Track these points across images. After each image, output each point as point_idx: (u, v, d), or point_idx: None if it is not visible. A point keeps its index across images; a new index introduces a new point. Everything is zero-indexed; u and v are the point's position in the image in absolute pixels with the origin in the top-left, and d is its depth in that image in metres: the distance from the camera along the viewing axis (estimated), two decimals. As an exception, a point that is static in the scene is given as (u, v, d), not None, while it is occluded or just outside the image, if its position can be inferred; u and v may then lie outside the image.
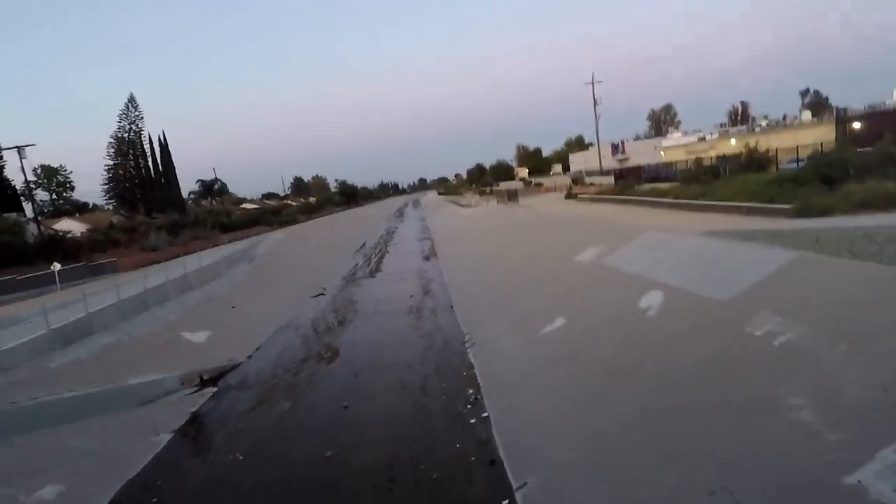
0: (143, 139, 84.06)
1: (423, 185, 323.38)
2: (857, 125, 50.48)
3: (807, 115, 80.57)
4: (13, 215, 57.59)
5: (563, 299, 16.34)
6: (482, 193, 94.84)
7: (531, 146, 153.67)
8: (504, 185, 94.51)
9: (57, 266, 30.01)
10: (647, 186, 42.15)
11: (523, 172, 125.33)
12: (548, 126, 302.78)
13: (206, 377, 16.38)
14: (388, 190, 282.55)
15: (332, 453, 10.87)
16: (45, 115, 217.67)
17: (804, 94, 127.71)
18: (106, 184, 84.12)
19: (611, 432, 8.73)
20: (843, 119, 54.36)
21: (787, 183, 21.78)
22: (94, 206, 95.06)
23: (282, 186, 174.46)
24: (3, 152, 59.39)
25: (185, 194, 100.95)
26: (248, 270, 33.09)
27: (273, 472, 10.56)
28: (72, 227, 62.33)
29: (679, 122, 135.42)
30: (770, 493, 5.75)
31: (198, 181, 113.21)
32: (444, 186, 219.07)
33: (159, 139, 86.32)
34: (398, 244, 52.55)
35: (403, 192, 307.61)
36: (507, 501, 8.32)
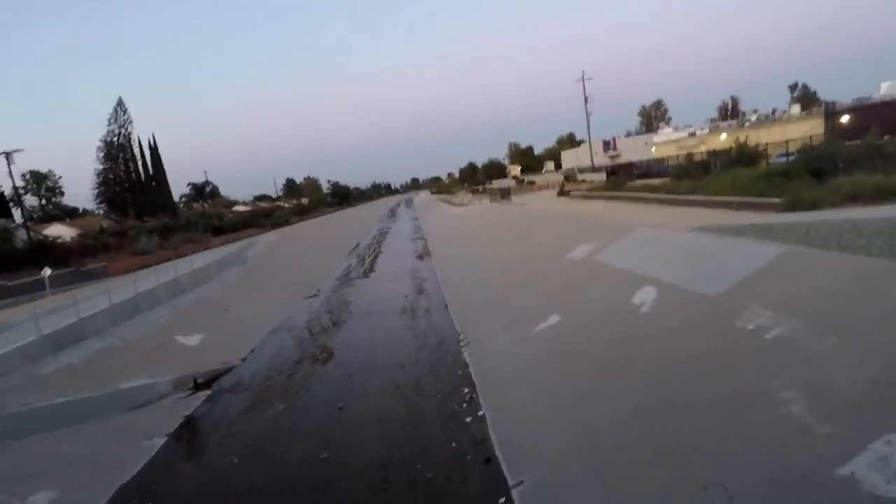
0: (132, 143, 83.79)
1: (415, 184, 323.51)
2: (845, 119, 50.80)
3: (796, 109, 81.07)
4: (2, 221, 57.09)
5: (556, 297, 16.37)
6: (475, 192, 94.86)
7: (523, 144, 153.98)
8: (496, 184, 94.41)
9: (47, 271, 29.78)
10: (639, 182, 42.31)
11: (516, 170, 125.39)
12: (540, 124, 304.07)
13: (199, 380, 16.30)
14: (380, 190, 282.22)
15: (327, 454, 10.84)
16: (33, 120, 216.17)
17: (793, 88, 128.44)
18: (96, 188, 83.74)
19: (605, 429, 8.76)
20: (831, 113, 54.70)
21: (776, 177, 21.95)
22: (85, 210, 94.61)
23: (274, 188, 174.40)
24: (-8, 158, 58.69)
25: (176, 197, 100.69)
26: (240, 273, 32.97)
27: (268, 474, 10.52)
28: (62, 232, 61.89)
29: (669, 118, 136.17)
30: (763, 487, 5.78)
31: (189, 184, 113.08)
32: (436, 186, 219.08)
33: (149, 142, 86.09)
34: (391, 244, 52.49)
35: (396, 192, 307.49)
36: (503, 500, 8.32)
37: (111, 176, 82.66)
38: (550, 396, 10.86)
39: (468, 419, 11.47)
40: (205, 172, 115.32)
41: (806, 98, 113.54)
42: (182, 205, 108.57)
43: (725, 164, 33.09)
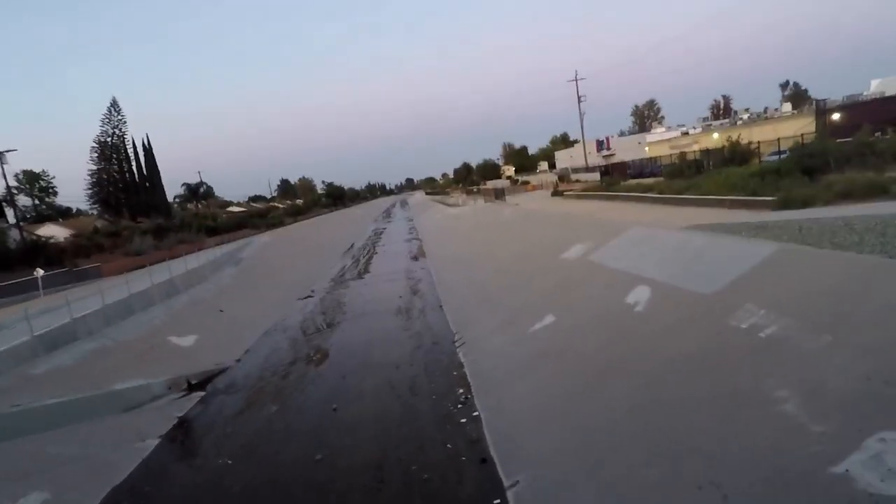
0: (126, 143, 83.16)
1: (410, 185, 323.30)
2: (836, 116, 51.05)
3: (787, 108, 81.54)
4: (-6, 221, 56.72)
5: (550, 297, 16.37)
6: (469, 192, 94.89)
7: (517, 144, 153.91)
8: (491, 184, 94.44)
9: (40, 272, 29.63)
10: (633, 182, 42.41)
11: (510, 171, 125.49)
12: (533, 124, 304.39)
13: (193, 381, 16.24)
14: (375, 191, 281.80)
15: (322, 456, 10.81)
16: (26, 120, 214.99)
17: (784, 86, 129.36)
18: (89, 188, 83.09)
19: (600, 428, 8.76)
20: (822, 110, 54.95)
21: (769, 175, 22.02)
22: (78, 210, 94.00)
23: (268, 189, 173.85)
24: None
25: (170, 198, 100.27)
26: (234, 273, 32.86)
27: (262, 475, 10.47)
28: (55, 232, 61.50)
29: (662, 118, 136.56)
30: (757, 486, 5.78)
31: (183, 185, 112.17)
32: (431, 186, 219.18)
33: (143, 143, 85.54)
34: (386, 245, 52.44)
35: (391, 192, 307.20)
36: (498, 501, 8.31)
37: (105, 176, 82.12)
38: (545, 396, 10.85)
39: (463, 420, 11.46)
40: (199, 173, 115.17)
41: (797, 96, 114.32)
42: (176, 205, 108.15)
43: (718, 162, 33.20)
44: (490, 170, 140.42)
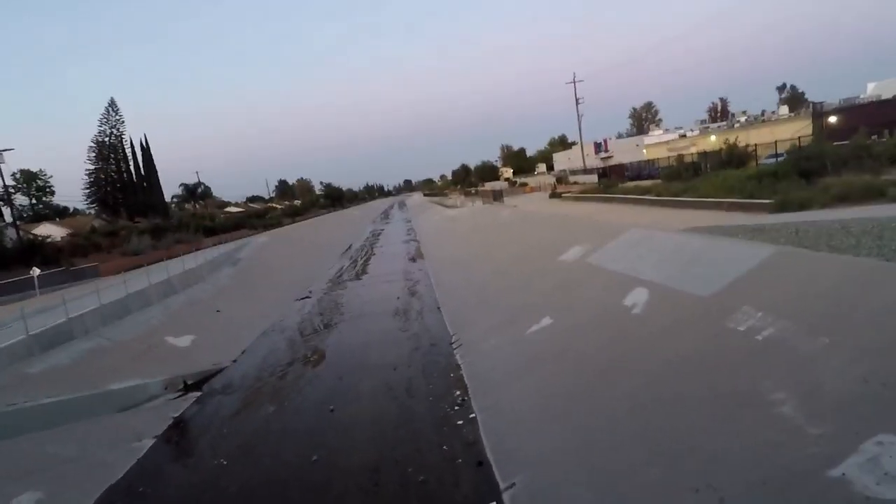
0: (124, 143, 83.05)
1: (408, 186, 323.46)
2: (833, 119, 51.18)
3: (784, 110, 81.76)
4: (-8, 220, 56.56)
5: (548, 298, 16.36)
6: (467, 194, 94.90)
7: (515, 146, 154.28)
8: (489, 186, 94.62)
9: (36, 271, 29.50)
10: (630, 184, 42.43)
11: (508, 172, 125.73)
12: (532, 126, 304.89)
13: (190, 381, 16.21)
14: (373, 192, 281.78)
15: (318, 457, 10.79)
16: (24, 120, 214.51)
17: (781, 89, 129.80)
18: (87, 188, 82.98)
19: (598, 430, 8.74)
20: (819, 113, 55.06)
21: (766, 178, 22.07)
22: (76, 210, 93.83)
23: (266, 189, 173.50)
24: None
25: (168, 198, 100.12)
26: (232, 274, 32.79)
27: (258, 476, 10.44)
28: (52, 231, 61.40)
29: (660, 120, 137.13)
30: (755, 488, 5.77)
31: (181, 185, 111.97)
32: (429, 188, 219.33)
33: (141, 143, 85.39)
34: (384, 246, 52.43)
35: (389, 193, 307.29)
36: (494, 503, 8.30)
37: (102, 176, 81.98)
38: (543, 398, 10.84)
39: (460, 421, 11.44)
40: (196, 173, 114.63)
41: (794, 99, 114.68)
42: (174, 205, 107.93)
43: (715, 165, 33.23)
44: (488, 171, 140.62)
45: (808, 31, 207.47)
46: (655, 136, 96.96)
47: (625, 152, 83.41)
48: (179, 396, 15.33)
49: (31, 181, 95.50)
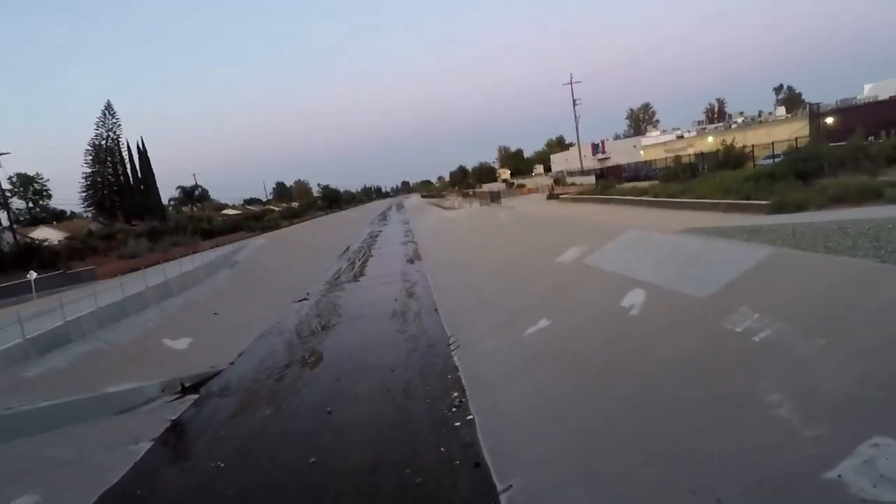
0: (121, 146, 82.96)
1: (406, 188, 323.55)
2: (829, 120, 51.32)
3: (781, 111, 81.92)
4: (-12, 224, 56.39)
5: (546, 300, 16.37)
6: (465, 195, 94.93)
7: (513, 147, 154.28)
8: (486, 187, 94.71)
9: (33, 274, 29.38)
10: (628, 185, 42.50)
11: (505, 174, 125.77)
12: (530, 126, 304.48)
13: (187, 384, 16.19)
14: (371, 193, 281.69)
15: (316, 459, 10.77)
16: (20, 123, 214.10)
17: (778, 90, 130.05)
18: (84, 191, 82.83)
19: (595, 432, 8.74)
20: (816, 114, 55.28)
21: (763, 179, 22.11)
22: (72, 213, 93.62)
23: (264, 191, 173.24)
24: (-23, 161, 57.98)
25: (165, 201, 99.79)
26: (229, 276, 32.74)
27: (255, 479, 10.43)
28: (49, 235, 61.20)
29: (657, 121, 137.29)
30: (752, 490, 5.77)
31: (178, 187, 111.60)
32: (427, 189, 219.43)
33: (138, 146, 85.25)
34: (382, 248, 52.42)
35: (387, 195, 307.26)
36: (491, 504, 8.29)
37: (99, 179, 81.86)
38: (540, 399, 10.84)
39: (457, 423, 11.44)
40: (194, 175, 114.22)
41: (791, 100, 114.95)
42: (171, 208, 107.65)
43: (713, 166, 33.29)
44: (486, 173, 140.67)
45: (805, 32, 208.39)
46: (653, 137, 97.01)
47: (622, 153, 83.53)
48: (177, 399, 15.30)
49: (27, 185, 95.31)
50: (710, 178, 27.86)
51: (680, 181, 31.61)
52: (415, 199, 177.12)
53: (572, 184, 64.29)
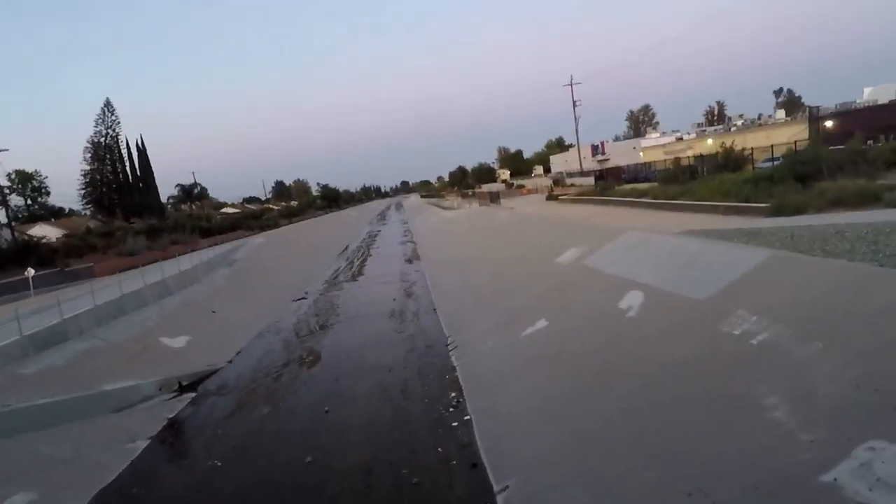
0: (120, 144, 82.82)
1: (405, 187, 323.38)
2: (829, 124, 51.39)
3: (781, 114, 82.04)
4: (-14, 221, 56.28)
5: (544, 301, 16.38)
6: (464, 196, 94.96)
7: (512, 148, 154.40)
8: (486, 188, 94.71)
9: (31, 271, 29.40)
10: (627, 187, 42.56)
11: (505, 174, 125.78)
12: (529, 127, 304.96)
13: (184, 382, 16.18)
14: (370, 193, 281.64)
15: (313, 458, 10.77)
16: (19, 120, 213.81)
17: (778, 93, 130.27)
18: (82, 189, 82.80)
19: (593, 433, 8.75)
20: (815, 118, 55.30)
21: (762, 182, 22.15)
22: (71, 211, 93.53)
23: (263, 190, 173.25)
24: (-24, 157, 57.94)
25: (164, 199, 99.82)
26: (228, 275, 32.72)
27: (252, 477, 10.42)
28: (47, 232, 61.14)
29: (657, 123, 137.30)
30: (748, 493, 5.77)
31: (177, 185, 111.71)
32: (426, 189, 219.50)
33: (137, 143, 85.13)
34: (380, 247, 52.41)
35: (386, 195, 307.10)
36: (487, 505, 8.29)
37: (98, 177, 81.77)
38: (538, 400, 10.85)
39: (454, 423, 11.44)
40: (193, 174, 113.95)
41: (791, 103, 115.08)
42: (170, 206, 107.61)
43: (712, 168, 33.35)
44: (485, 173, 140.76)
45: (805, 35, 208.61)
46: (652, 138, 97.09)
47: (621, 155, 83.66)
48: (174, 397, 15.29)
49: (26, 182, 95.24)
50: (709, 180, 27.92)
51: (679, 183, 31.67)
52: (414, 199, 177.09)
53: (572, 185, 64.33)
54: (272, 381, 16.09)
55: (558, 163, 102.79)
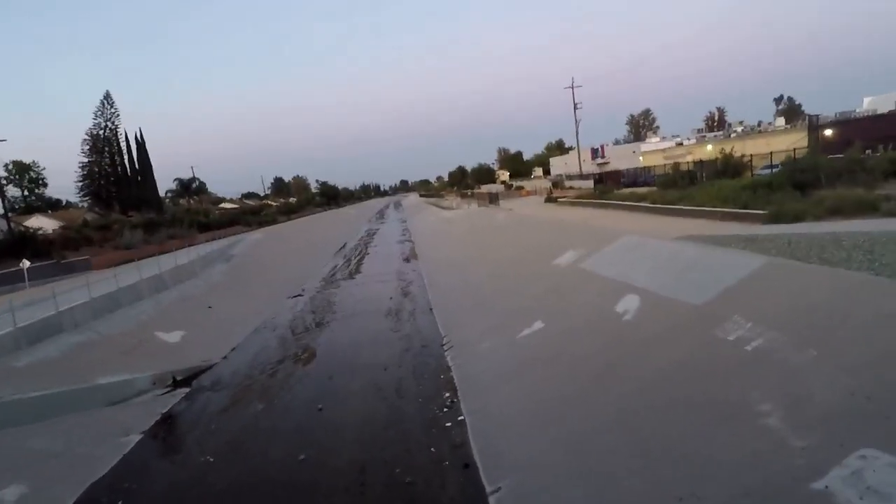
0: (118, 136, 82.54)
1: (404, 186, 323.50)
2: (828, 132, 51.49)
3: (780, 122, 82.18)
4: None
5: (541, 302, 16.38)
6: (463, 196, 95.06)
7: (512, 149, 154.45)
8: (485, 188, 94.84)
9: (26, 263, 29.24)
10: (626, 191, 42.57)
11: (504, 176, 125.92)
12: (529, 129, 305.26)
13: (179, 377, 16.13)
14: (369, 191, 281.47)
15: (306, 456, 10.75)
16: (17, 111, 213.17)
17: (778, 100, 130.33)
18: (80, 181, 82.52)
19: (587, 436, 8.75)
20: (815, 126, 55.40)
21: (761, 189, 22.19)
22: (68, 203, 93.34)
23: (262, 186, 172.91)
24: (-26, 147, 57.84)
25: (162, 193, 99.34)
26: (225, 270, 32.68)
27: (245, 474, 10.40)
28: (44, 224, 61.07)
29: (657, 127, 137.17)
30: (738, 499, 5.78)
31: (176, 180, 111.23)
32: (425, 188, 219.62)
33: (136, 137, 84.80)
34: (378, 246, 52.35)
35: (385, 193, 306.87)
36: (479, 506, 8.28)
37: (96, 169, 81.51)
38: (532, 402, 10.84)
39: (448, 423, 11.44)
40: (192, 168, 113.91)
41: (791, 111, 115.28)
42: (168, 200, 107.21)
43: (711, 174, 33.43)
44: (485, 174, 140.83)
45: (806, 44, 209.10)
46: (652, 143, 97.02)
47: (621, 159, 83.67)
48: (168, 392, 15.25)
49: (23, 173, 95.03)
50: (708, 186, 28.00)
51: (678, 188, 31.71)
52: (413, 198, 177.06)
53: (571, 187, 64.41)
54: (267, 377, 16.06)
55: (558, 165, 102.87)
